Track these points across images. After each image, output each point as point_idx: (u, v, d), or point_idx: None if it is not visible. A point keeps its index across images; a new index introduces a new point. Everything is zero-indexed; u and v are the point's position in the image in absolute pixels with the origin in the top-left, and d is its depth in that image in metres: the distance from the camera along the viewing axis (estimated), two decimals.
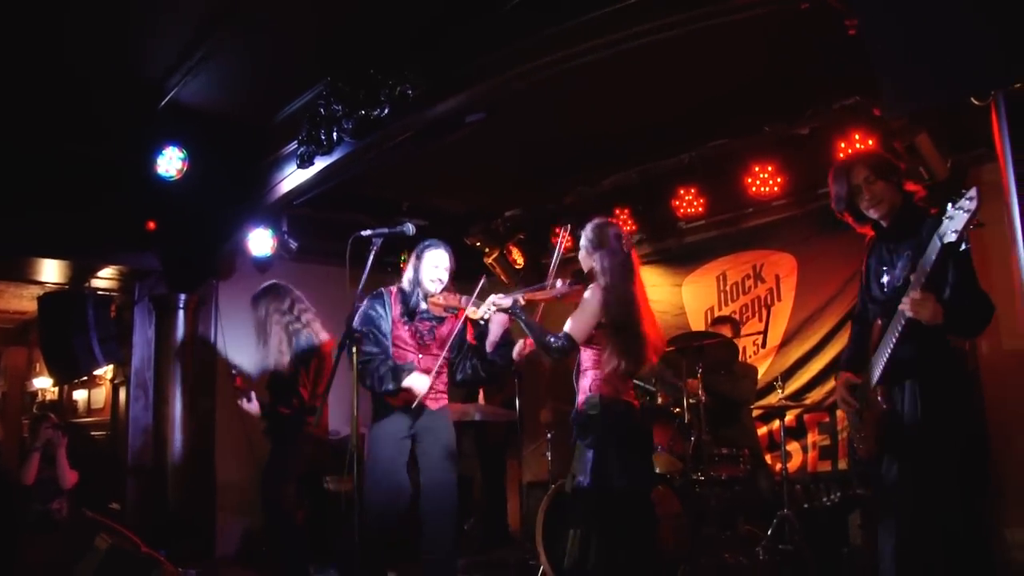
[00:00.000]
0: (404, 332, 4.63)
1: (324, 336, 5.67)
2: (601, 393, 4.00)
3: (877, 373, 3.46)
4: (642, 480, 4.12)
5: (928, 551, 3.32)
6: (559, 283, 4.17)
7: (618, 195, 7.39)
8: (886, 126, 5.65)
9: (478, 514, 7.94)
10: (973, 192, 3.01)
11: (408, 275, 4.70)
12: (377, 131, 5.39)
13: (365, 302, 4.56)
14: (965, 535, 3.30)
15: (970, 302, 3.32)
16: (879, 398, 3.47)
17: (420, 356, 4.65)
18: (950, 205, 3.06)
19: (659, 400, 6.15)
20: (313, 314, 5.77)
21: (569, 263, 5.16)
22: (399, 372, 4.43)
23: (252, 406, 5.64)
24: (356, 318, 4.47)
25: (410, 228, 4.30)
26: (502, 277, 8.23)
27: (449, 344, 4.67)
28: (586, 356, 4.07)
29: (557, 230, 7.63)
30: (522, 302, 4.14)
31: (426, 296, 4.61)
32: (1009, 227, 3.13)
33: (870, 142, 5.79)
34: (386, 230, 4.26)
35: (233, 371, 5.98)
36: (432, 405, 4.68)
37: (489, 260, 8.13)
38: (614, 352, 3.95)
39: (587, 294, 4.02)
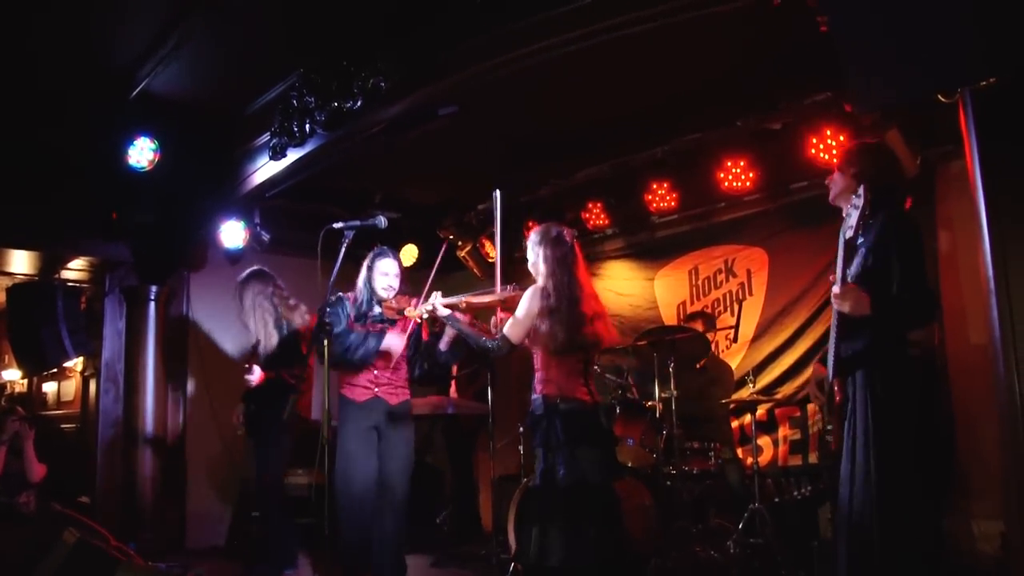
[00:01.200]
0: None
1: (308, 318, 5.82)
2: (544, 394, 4.13)
3: (831, 366, 3.56)
4: (594, 475, 4.12)
5: (875, 544, 3.36)
6: (507, 287, 4.30)
7: (591, 189, 7.39)
8: (857, 122, 5.68)
9: (450, 508, 7.93)
10: (861, 190, 3.25)
11: (361, 282, 4.92)
12: (350, 123, 5.37)
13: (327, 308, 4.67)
14: (911, 527, 3.34)
15: (914, 296, 3.38)
16: (836, 390, 3.55)
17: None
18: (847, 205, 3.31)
19: (631, 394, 6.14)
20: (295, 300, 5.95)
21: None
22: (375, 337, 4.66)
23: (253, 376, 5.66)
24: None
25: (382, 221, 4.30)
26: (475, 271, 8.21)
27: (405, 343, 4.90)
28: (536, 358, 4.22)
29: (530, 223, 7.64)
30: (462, 306, 4.27)
31: (379, 301, 4.86)
32: (976, 223, 3.18)
33: (841, 138, 5.82)
34: (358, 223, 4.26)
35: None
36: (393, 400, 4.91)
37: (462, 253, 8.12)
38: (545, 338, 4.05)
39: (527, 295, 4.12)
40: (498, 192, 4.50)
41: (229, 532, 7.64)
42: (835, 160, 5.72)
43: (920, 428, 3.40)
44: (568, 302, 4.08)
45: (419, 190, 8.12)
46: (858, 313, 3.31)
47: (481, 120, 6.05)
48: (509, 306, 4.25)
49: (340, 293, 4.82)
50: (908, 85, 3.13)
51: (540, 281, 4.16)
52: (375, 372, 4.87)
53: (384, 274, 4.90)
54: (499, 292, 4.27)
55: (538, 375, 4.19)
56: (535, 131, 6.59)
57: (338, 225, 4.24)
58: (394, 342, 4.78)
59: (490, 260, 8.11)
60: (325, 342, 4.07)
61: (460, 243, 8.10)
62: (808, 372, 6.36)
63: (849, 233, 3.29)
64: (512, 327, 4.09)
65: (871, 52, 3.17)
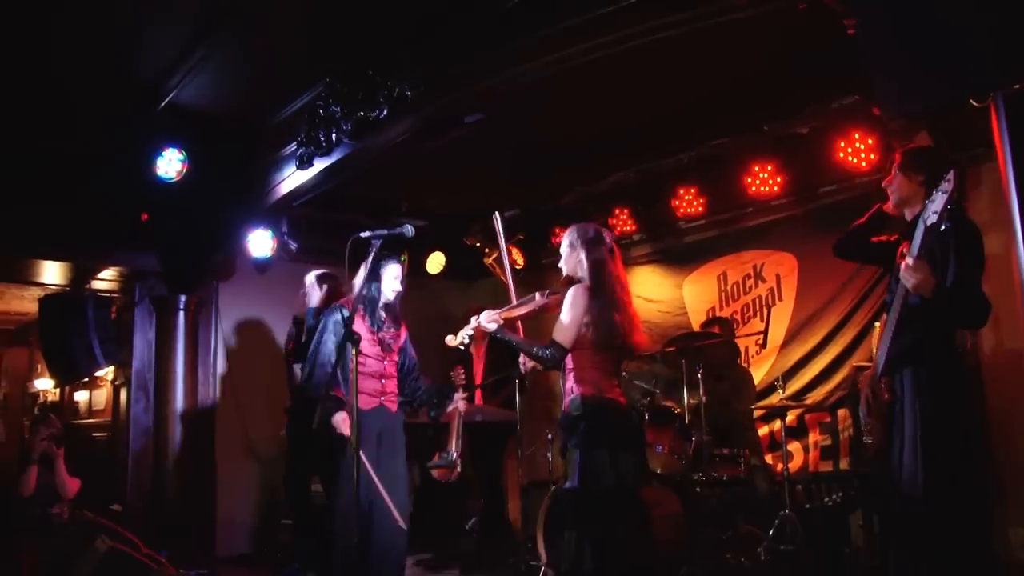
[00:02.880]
0: (371, 341, 4.83)
1: None
2: (583, 394, 4.04)
3: (881, 364, 3.57)
4: (630, 478, 4.06)
5: (929, 543, 3.38)
6: (537, 296, 4.25)
7: (617, 195, 7.39)
8: (885, 125, 5.64)
9: (478, 515, 7.92)
10: (950, 175, 3.22)
11: (370, 286, 4.86)
12: (376, 132, 5.38)
13: (329, 320, 4.81)
14: (963, 525, 3.36)
15: (966, 290, 3.40)
16: (883, 388, 3.56)
17: (385, 362, 4.91)
18: (933, 190, 3.27)
19: (659, 401, 6.11)
20: None
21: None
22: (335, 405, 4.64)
23: None
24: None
25: (409, 229, 4.28)
26: (501, 278, 8.20)
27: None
28: (569, 358, 4.12)
29: (557, 230, 7.65)
30: (500, 321, 4.18)
31: (386, 305, 4.90)
32: (1009, 227, 3.15)
33: (869, 141, 5.79)
34: (385, 231, 4.24)
35: None
36: (393, 408, 4.96)
37: (488, 260, 8.13)
38: (587, 344, 4.02)
39: (570, 296, 4.07)
40: (497, 214, 4.58)
41: (258, 539, 7.67)
42: (868, 163, 5.86)
43: (969, 430, 3.44)
44: (612, 301, 4.06)
45: (446, 198, 8.13)
46: (920, 291, 3.32)
47: (507, 127, 6.05)
48: (544, 313, 4.26)
49: (335, 306, 4.81)
50: (939, 89, 3.10)
51: (585, 280, 4.10)
52: (382, 381, 4.89)
53: (395, 277, 4.93)
54: (536, 300, 4.23)
55: (573, 375, 4.09)
56: (561, 138, 6.59)
57: (365, 234, 4.23)
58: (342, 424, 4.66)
59: (517, 267, 8.11)
60: (355, 352, 4.04)
61: (487, 250, 8.10)
62: (839, 376, 6.39)
63: (934, 218, 3.25)
64: (561, 332, 4.03)
65: (900, 56, 3.13)
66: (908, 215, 3.70)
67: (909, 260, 3.35)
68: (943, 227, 3.30)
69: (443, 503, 7.89)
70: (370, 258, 4.32)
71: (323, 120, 5.64)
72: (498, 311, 4.21)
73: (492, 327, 4.13)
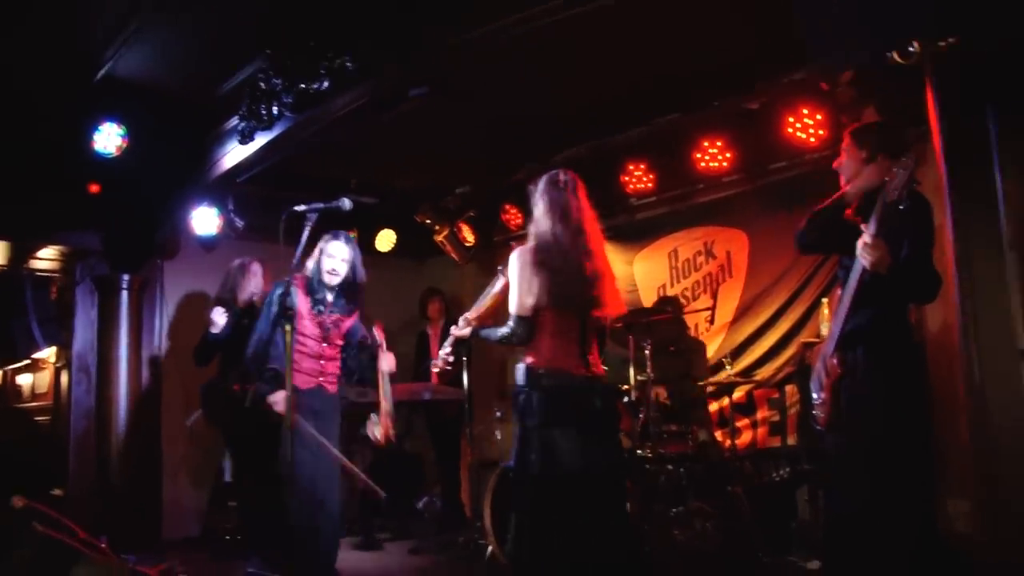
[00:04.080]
0: (311, 323, 4.71)
1: None
2: (530, 363, 3.73)
3: (833, 339, 3.57)
4: (573, 463, 3.63)
5: (876, 519, 3.39)
6: (500, 274, 3.98)
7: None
8: (835, 100, 5.62)
9: (432, 494, 7.89)
10: (912, 153, 3.24)
11: (313, 266, 4.75)
12: (317, 105, 5.25)
13: (273, 294, 4.62)
14: (912, 501, 3.40)
15: (920, 267, 3.42)
16: (835, 363, 3.55)
17: (324, 346, 4.78)
18: (894, 167, 3.26)
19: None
20: None
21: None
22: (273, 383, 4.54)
23: None
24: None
25: (346, 203, 4.17)
26: (453, 255, 8.14)
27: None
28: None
29: (508, 207, 7.57)
30: (473, 322, 4.00)
31: (331, 287, 4.74)
32: (939, 195, 3.16)
33: (818, 116, 5.77)
34: (321, 205, 4.12)
35: None
36: (331, 389, 4.87)
37: (439, 238, 8.03)
38: (541, 307, 3.69)
39: (514, 257, 3.77)
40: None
41: (205, 522, 7.55)
42: (816, 139, 5.85)
43: (921, 406, 3.46)
44: (559, 251, 3.68)
45: (397, 175, 8.00)
46: (877, 269, 3.31)
47: (456, 103, 5.93)
48: None
49: (288, 279, 4.67)
50: (866, 42, 3.08)
51: (531, 235, 3.81)
52: (321, 362, 4.79)
53: (330, 256, 4.72)
54: (502, 279, 3.92)
55: (531, 342, 3.75)
56: (512, 114, 6.48)
57: (301, 208, 4.11)
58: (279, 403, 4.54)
59: (467, 245, 8.03)
60: (288, 328, 3.94)
61: (437, 228, 8.01)
62: (788, 353, 6.41)
63: (894, 195, 3.24)
64: (512, 300, 3.71)
65: (828, 10, 3.12)
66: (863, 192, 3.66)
67: (867, 238, 3.34)
68: (902, 205, 3.29)
69: (397, 483, 7.85)
70: (306, 233, 4.15)
71: (264, 93, 5.50)
72: (469, 314, 4.02)
73: (467, 332, 3.96)
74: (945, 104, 3.07)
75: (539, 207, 3.83)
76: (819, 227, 3.76)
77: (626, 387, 5.73)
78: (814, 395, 3.78)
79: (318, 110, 5.29)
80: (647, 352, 5.53)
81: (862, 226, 3.44)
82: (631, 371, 5.61)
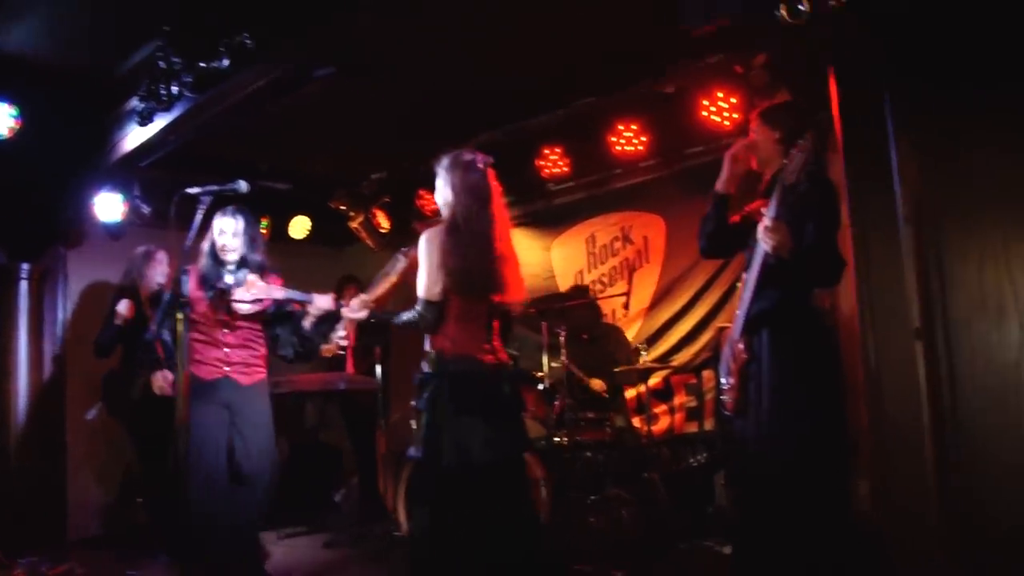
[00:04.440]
0: (205, 307, 4.53)
1: None
2: (439, 349, 3.61)
3: (739, 323, 3.54)
4: (482, 454, 3.53)
5: (781, 504, 3.39)
6: (400, 257, 3.86)
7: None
8: (749, 84, 5.59)
9: (349, 486, 7.73)
10: (808, 133, 3.22)
11: (206, 248, 4.59)
12: (218, 85, 5.03)
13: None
14: (820, 485, 3.37)
15: (823, 250, 3.38)
16: (742, 348, 3.52)
17: (226, 332, 4.58)
18: (792, 149, 3.25)
19: (520, 365, 6.00)
20: None
21: None
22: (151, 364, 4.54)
23: None
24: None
25: (243, 185, 4.00)
26: (368, 242, 7.98)
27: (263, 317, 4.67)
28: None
29: (423, 193, 7.44)
30: (371, 305, 3.85)
31: (224, 264, 4.55)
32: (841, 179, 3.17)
33: (733, 100, 5.75)
34: (215, 187, 3.95)
35: None
36: (244, 381, 4.60)
37: (354, 224, 7.86)
38: (450, 292, 3.58)
39: (424, 239, 3.63)
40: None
41: (112, 520, 7.31)
42: (731, 122, 5.82)
43: (828, 390, 3.42)
44: (474, 235, 3.58)
45: (311, 161, 7.78)
46: (779, 252, 3.27)
47: (367, 86, 5.79)
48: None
49: (183, 268, 4.48)
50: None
51: (445, 215, 3.68)
52: (225, 350, 4.58)
53: (221, 233, 4.55)
54: (402, 262, 3.83)
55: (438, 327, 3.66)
56: (428, 98, 6.32)
57: (193, 190, 3.93)
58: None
59: (382, 231, 7.87)
60: (180, 317, 3.76)
61: (352, 214, 7.84)
62: (705, 338, 6.41)
63: (791, 178, 3.24)
64: (422, 282, 3.58)
65: None
66: (768, 175, 3.65)
67: (767, 221, 3.31)
68: (801, 187, 3.29)
69: (310, 475, 7.70)
70: (199, 217, 3.97)
71: (163, 73, 5.25)
72: (366, 295, 3.85)
73: (362, 315, 3.80)
74: (842, 76, 3.05)
75: (452, 187, 3.72)
76: (707, 235, 3.77)
77: (540, 374, 5.65)
78: (722, 380, 3.76)
79: (218, 90, 5.07)
80: (561, 339, 5.47)
81: (762, 209, 3.42)
82: (544, 358, 5.53)
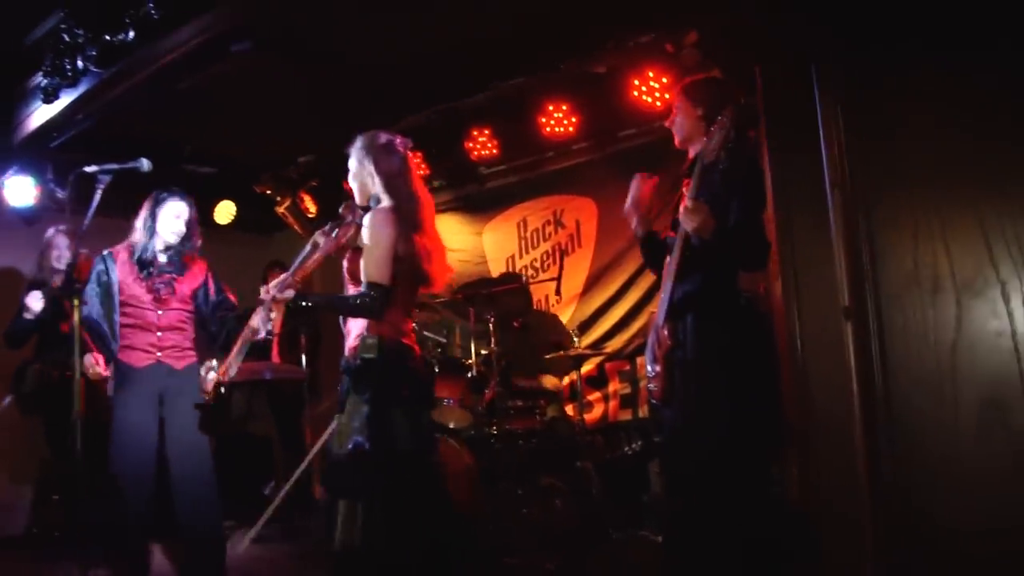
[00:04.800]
0: (139, 289, 4.42)
1: None
2: (381, 334, 3.42)
3: (663, 308, 3.39)
4: (427, 439, 3.62)
5: (705, 495, 3.29)
6: (319, 238, 3.63)
7: (410, 138, 6.96)
8: (681, 63, 5.48)
9: (278, 478, 7.51)
10: (728, 110, 3.13)
11: (142, 228, 4.44)
12: (124, 59, 4.76)
13: (94, 271, 4.40)
14: (743, 476, 3.26)
15: (747, 231, 3.25)
16: (665, 334, 3.38)
17: (160, 312, 4.47)
18: (711, 126, 3.18)
19: (451, 352, 5.89)
20: None
21: None
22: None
23: None
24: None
25: (145, 164, 3.83)
26: (295, 227, 7.75)
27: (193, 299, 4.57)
28: (354, 291, 3.55)
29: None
30: (297, 285, 3.53)
31: (165, 248, 4.45)
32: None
33: (664, 80, 5.63)
34: (115, 166, 3.75)
35: None
36: (177, 364, 4.47)
37: (281, 209, 7.63)
38: (397, 278, 3.45)
39: (373, 221, 3.46)
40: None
41: (30, 519, 6.99)
42: (662, 103, 5.64)
43: (754, 374, 3.31)
44: (414, 222, 3.51)
45: (236, 144, 7.49)
46: (700, 233, 3.16)
47: (292, 66, 5.55)
48: (340, 255, 3.69)
49: (104, 252, 4.33)
50: None
51: (385, 201, 3.54)
52: (158, 334, 4.43)
53: (175, 217, 4.47)
54: (322, 244, 3.58)
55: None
56: (353, 78, 6.11)
57: (91, 168, 3.73)
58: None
59: (310, 216, 7.65)
60: (76, 303, 3.54)
61: (279, 199, 7.59)
62: (639, 323, 6.33)
63: (711, 156, 3.16)
64: (375, 266, 3.40)
65: None
66: (692, 152, 3.51)
67: (688, 202, 3.18)
68: (721, 165, 3.19)
69: (243, 469, 7.46)
70: (97, 196, 3.75)
71: (68, 46, 4.96)
72: (287, 274, 3.57)
73: (289, 294, 3.49)
74: (767, 46, 2.96)
75: (378, 171, 3.61)
76: (650, 266, 3.78)
77: (469, 362, 5.51)
78: (648, 368, 3.62)
79: (124, 64, 4.80)
80: (491, 326, 5.31)
81: (684, 189, 3.31)
82: (472, 345, 5.39)
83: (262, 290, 3.58)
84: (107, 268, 4.38)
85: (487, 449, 5.36)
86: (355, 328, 3.54)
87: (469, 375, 5.51)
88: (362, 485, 3.43)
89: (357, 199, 3.69)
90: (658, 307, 3.48)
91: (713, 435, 3.25)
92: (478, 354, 5.52)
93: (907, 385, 3.37)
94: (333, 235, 3.59)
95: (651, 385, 3.58)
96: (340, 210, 3.66)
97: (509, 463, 5.35)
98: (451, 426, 5.46)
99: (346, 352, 3.57)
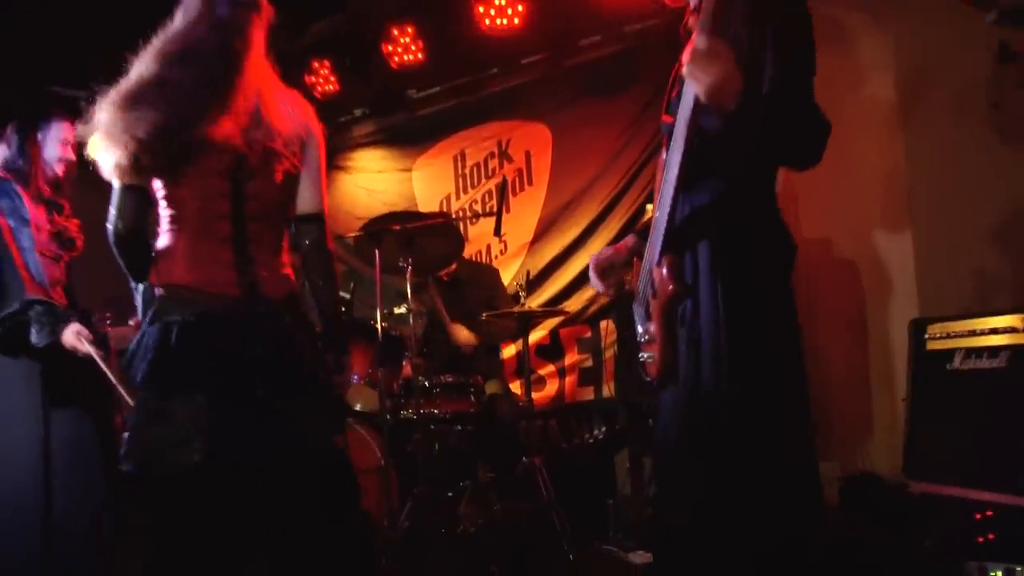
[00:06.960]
0: (47, 241, 3.63)
1: None
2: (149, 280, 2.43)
3: (659, 238, 2.19)
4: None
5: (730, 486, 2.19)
6: None
7: (319, 46, 5.93)
8: None
9: None
10: None
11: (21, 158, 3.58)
12: None
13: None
14: (786, 459, 2.19)
15: (792, 96, 2.04)
16: (666, 276, 2.19)
17: (61, 263, 3.70)
18: None
19: (354, 312, 4.87)
20: None
21: None
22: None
23: None
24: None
25: None
26: None
27: None
28: None
29: None
30: None
31: (52, 181, 3.65)
32: None
33: None
34: None
35: None
36: None
37: None
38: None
39: None
40: None
41: None
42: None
43: (795, 327, 2.23)
44: None
45: None
46: (719, 99, 1.95)
47: None
48: None
49: None
50: None
51: None
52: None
53: (63, 142, 3.62)
54: None
55: None
56: None
57: None
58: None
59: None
60: None
61: None
62: None
63: None
64: None
65: None
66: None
67: (698, 40, 1.93)
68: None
69: None
70: None
71: None
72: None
73: None
74: None
75: None
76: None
77: (379, 324, 4.36)
78: (640, 330, 2.39)
79: None
80: (408, 276, 4.14)
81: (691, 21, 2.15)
82: (378, 301, 4.24)
83: None
84: (12, 196, 3.56)
85: (405, 439, 4.52)
86: None
87: (379, 342, 4.36)
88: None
89: None
90: (651, 234, 2.28)
91: (746, 429, 2.13)
92: (391, 315, 4.50)
93: None
94: None
95: (644, 355, 2.36)
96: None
97: (432, 459, 4.47)
98: (358, 409, 4.70)
99: None
